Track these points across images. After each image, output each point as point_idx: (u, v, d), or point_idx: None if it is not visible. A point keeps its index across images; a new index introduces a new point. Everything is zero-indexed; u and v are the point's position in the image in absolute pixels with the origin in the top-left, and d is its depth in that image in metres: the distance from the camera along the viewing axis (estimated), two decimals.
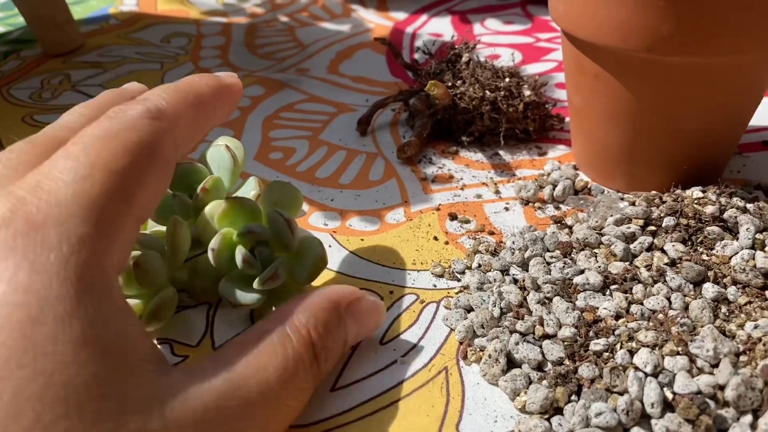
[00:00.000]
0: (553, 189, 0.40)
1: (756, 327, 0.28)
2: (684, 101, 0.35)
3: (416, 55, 0.59)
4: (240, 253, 0.31)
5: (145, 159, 0.24)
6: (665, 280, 0.32)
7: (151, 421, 0.20)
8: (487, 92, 0.43)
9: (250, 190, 0.36)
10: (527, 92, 0.44)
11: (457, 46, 0.47)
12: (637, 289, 0.31)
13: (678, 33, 0.32)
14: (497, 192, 0.41)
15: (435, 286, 0.34)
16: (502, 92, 0.43)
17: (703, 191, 0.36)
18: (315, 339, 0.26)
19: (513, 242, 0.35)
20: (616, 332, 0.29)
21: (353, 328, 0.29)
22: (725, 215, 0.34)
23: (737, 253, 0.32)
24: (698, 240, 0.33)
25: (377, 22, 0.67)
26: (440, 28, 0.65)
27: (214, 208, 0.33)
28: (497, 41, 0.61)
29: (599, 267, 0.32)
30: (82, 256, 0.21)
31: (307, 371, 0.26)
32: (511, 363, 0.29)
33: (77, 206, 0.21)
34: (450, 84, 0.44)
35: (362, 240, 0.38)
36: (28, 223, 0.21)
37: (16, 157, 0.24)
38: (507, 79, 0.44)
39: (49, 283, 0.20)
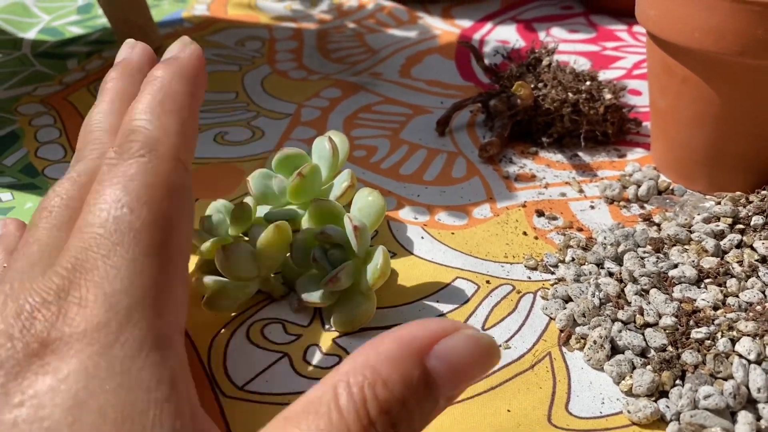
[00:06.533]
0: (637, 189, 0.41)
1: None
2: None
3: (486, 60, 0.60)
4: (313, 252, 0.33)
5: (178, 207, 0.23)
6: (758, 275, 0.33)
7: None
8: (570, 94, 0.45)
9: (343, 181, 0.38)
10: (608, 95, 0.45)
11: (537, 50, 0.48)
12: (731, 283, 0.32)
13: None
14: (581, 191, 0.42)
15: (529, 278, 0.36)
16: (584, 95, 0.45)
17: None
18: (376, 411, 0.18)
19: (605, 238, 0.36)
20: (716, 322, 0.30)
21: (447, 381, 0.19)
22: None
23: None
24: None
25: (444, 28, 0.69)
26: (506, 35, 0.67)
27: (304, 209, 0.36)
28: (564, 49, 0.63)
29: (692, 262, 0.34)
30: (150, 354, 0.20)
31: None
32: (614, 349, 0.31)
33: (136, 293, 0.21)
34: (532, 86, 0.46)
35: (453, 234, 0.39)
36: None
37: (56, 215, 0.24)
38: (588, 83, 0.45)
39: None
